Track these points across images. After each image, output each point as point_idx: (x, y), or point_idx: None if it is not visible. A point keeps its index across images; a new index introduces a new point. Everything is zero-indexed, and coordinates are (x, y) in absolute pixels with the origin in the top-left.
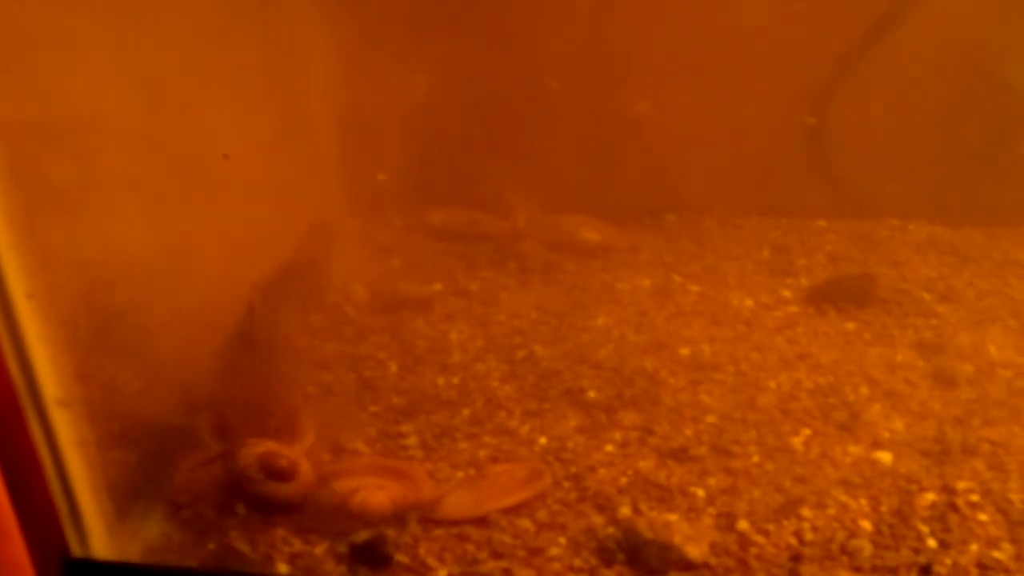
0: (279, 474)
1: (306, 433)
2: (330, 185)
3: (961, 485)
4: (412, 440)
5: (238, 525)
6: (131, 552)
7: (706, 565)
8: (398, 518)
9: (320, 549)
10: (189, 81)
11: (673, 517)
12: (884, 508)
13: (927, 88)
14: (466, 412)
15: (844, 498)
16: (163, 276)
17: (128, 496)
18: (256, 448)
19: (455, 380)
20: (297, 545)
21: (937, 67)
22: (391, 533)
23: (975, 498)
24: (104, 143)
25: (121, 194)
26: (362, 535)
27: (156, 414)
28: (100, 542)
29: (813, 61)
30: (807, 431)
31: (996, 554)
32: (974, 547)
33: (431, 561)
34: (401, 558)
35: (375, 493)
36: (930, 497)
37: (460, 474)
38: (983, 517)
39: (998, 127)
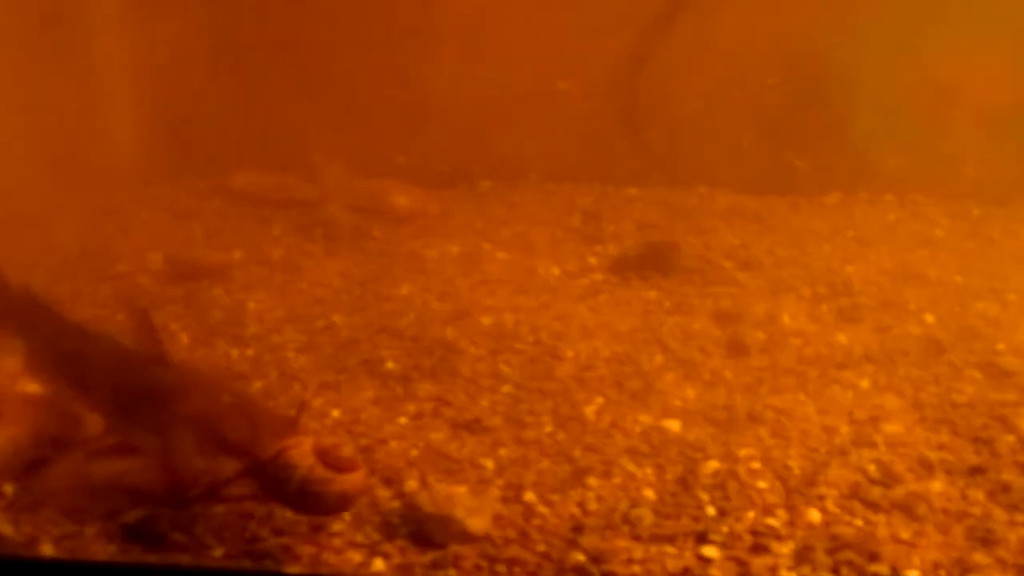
0: (345, 465)
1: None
2: (125, 148)
3: (743, 452)
4: None
5: (4, 506)
6: None
7: (487, 537)
8: (177, 496)
9: (90, 530)
10: None
11: (461, 489)
12: (668, 476)
13: (738, 60)
14: (259, 384)
15: (631, 467)
16: None
17: None
18: (303, 447)
19: (249, 352)
20: (67, 526)
21: (748, 39)
22: (166, 512)
23: (756, 465)
24: None
25: None
26: (134, 514)
27: None
28: None
29: (627, 29)
30: (600, 400)
31: (770, 521)
32: (751, 514)
33: (208, 539)
34: (177, 537)
35: (150, 470)
36: (713, 465)
37: None
38: (762, 484)
39: (804, 99)
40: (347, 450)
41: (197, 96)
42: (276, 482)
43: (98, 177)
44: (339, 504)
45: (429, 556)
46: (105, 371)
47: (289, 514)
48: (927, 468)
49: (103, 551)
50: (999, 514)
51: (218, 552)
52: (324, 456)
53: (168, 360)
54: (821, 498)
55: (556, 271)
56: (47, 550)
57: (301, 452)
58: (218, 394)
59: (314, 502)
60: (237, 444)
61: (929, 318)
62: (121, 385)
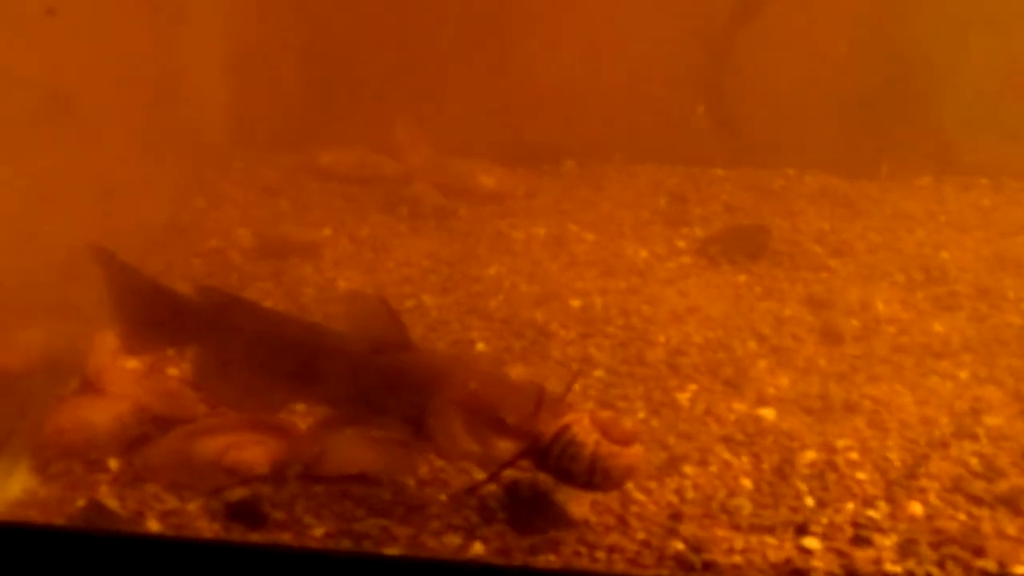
0: (627, 438)
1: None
2: (215, 123)
3: (841, 443)
4: None
5: (109, 480)
6: None
7: (586, 523)
8: (277, 474)
9: (193, 506)
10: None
11: None
12: (765, 466)
13: (827, 41)
14: None
15: (727, 455)
16: (24, 217)
17: None
18: (583, 422)
19: None
20: (170, 502)
21: (838, 21)
22: (267, 490)
23: (854, 456)
24: None
25: None
26: (237, 492)
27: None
28: None
29: (712, 6)
30: (693, 387)
31: (871, 513)
32: (850, 506)
33: (308, 519)
34: (277, 515)
35: (250, 449)
36: (810, 455)
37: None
38: (861, 476)
39: (896, 83)
40: (626, 422)
41: (285, 73)
42: (563, 460)
43: (187, 152)
44: (624, 478)
45: (528, 541)
46: (340, 361)
47: (387, 495)
48: None
49: (207, 528)
50: None
51: (318, 531)
52: (606, 430)
53: (414, 345)
54: (923, 491)
55: (644, 254)
56: (153, 526)
57: (584, 428)
58: (478, 376)
59: (603, 478)
60: (516, 425)
61: None
62: (364, 374)
